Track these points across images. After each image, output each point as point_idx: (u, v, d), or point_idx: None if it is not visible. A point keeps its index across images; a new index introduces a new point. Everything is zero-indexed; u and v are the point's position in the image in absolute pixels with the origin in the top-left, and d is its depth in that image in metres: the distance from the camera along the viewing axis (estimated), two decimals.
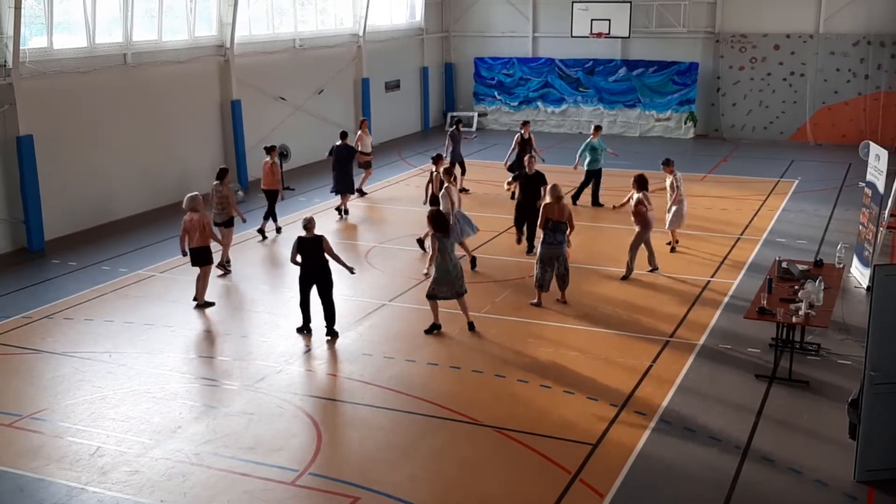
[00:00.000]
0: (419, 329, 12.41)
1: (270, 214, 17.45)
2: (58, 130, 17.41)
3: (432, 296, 12.25)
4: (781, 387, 10.60)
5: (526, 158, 16.86)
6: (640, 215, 14.29)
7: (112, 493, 8.46)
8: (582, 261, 15.44)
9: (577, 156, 19.35)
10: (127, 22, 18.87)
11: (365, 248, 16.72)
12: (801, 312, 10.43)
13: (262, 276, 15.30)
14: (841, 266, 12.77)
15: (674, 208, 15.73)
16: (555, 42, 30.20)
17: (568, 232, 13.26)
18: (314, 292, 12.26)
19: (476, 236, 15.89)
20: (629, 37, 28.45)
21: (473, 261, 15.19)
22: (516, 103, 30.82)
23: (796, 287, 11.32)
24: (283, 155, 17.91)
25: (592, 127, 19.98)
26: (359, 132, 21.10)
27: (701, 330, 12.41)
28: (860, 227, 14.72)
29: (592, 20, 28.26)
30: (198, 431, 9.65)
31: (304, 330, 12.39)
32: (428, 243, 12.46)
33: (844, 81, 27.19)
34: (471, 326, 12.42)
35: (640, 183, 14.41)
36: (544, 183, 15.40)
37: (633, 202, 14.39)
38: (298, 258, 12.12)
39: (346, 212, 19.00)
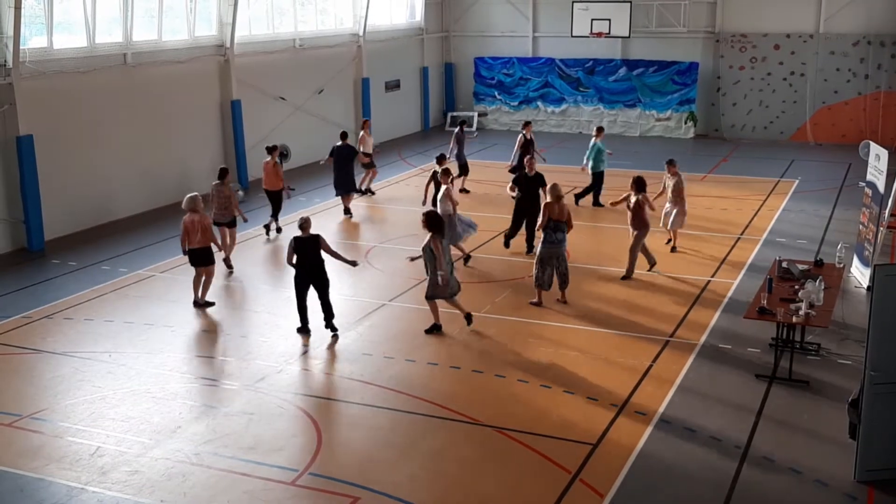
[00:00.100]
0: (419, 329, 12.41)
1: (274, 212, 17.48)
2: (58, 130, 17.41)
3: (432, 296, 12.26)
4: (781, 387, 10.60)
5: (526, 159, 16.84)
6: (640, 218, 14.29)
7: (112, 493, 8.46)
8: (582, 261, 15.44)
9: (587, 159, 19.21)
10: (127, 22, 18.87)
11: (365, 247, 16.72)
12: (801, 312, 10.43)
13: (263, 276, 15.30)
14: (841, 266, 12.77)
15: (676, 208, 15.73)
16: (555, 42, 30.19)
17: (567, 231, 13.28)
18: (311, 292, 12.25)
19: (476, 236, 15.89)
20: (629, 36, 28.44)
21: (467, 258, 15.23)
22: (516, 103, 30.81)
23: (796, 287, 11.32)
24: (284, 155, 17.93)
25: (595, 128, 19.88)
26: (361, 133, 21.04)
27: (701, 330, 12.41)
28: (860, 226, 14.72)
29: (592, 20, 28.25)
30: (198, 431, 9.65)
31: (304, 330, 12.39)
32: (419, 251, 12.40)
33: (844, 81, 27.18)
34: (468, 319, 12.41)
35: (640, 185, 14.41)
36: (544, 184, 15.39)
37: (631, 204, 14.35)
38: (294, 259, 12.12)
39: (349, 212, 19.01)
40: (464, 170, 20.99)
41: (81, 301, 13.84)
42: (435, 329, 12.33)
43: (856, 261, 14.60)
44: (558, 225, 13.14)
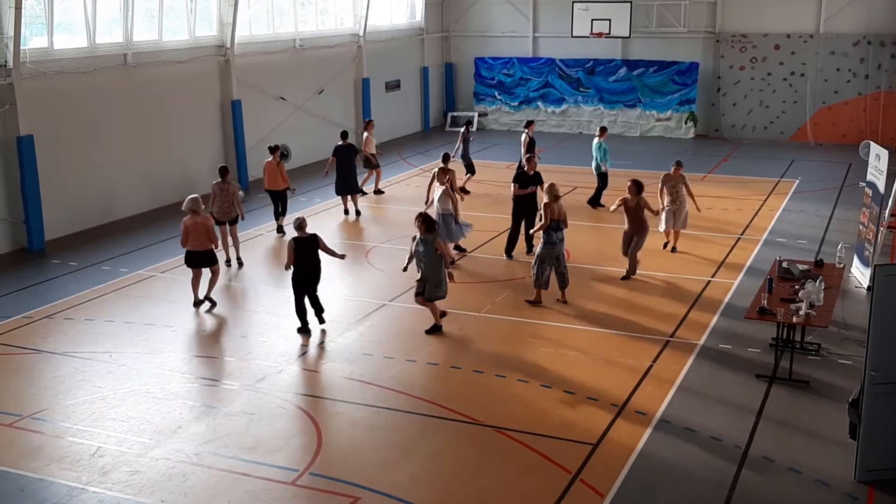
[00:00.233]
0: (419, 329, 12.41)
1: (283, 212, 17.52)
2: (58, 130, 17.42)
3: (433, 298, 12.25)
4: (782, 387, 10.60)
5: (526, 158, 16.83)
6: (641, 221, 14.27)
7: (112, 493, 8.47)
8: (582, 261, 15.44)
9: (602, 161, 19.16)
10: (127, 22, 18.88)
11: (365, 247, 16.72)
12: (801, 312, 10.43)
13: (263, 276, 15.30)
14: (841, 266, 12.77)
15: (680, 209, 15.70)
16: (555, 42, 30.19)
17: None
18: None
19: (476, 236, 15.88)
20: (629, 37, 28.44)
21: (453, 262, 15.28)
22: (516, 103, 30.81)
23: (797, 287, 11.32)
24: (284, 155, 17.94)
25: (599, 128, 19.81)
26: (366, 134, 20.94)
27: (701, 330, 12.41)
28: (860, 226, 14.72)
29: (593, 20, 28.25)
30: (198, 431, 9.66)
31: (304, 330, 12.39)
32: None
33: (845, 81, 27.19)
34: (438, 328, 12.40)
35: (639, 188, 14.42)
36: (541, 183, 15.36)
37: (630, 205, 14.31)
38: (294, 260, 12.13)
39: (358, 212, 19.02)
40: (470, 169, 20.99)
41: (82, 301, 13.85)
42: (436, 329, 12.33)
43: (856, 261, 14.60)
44: (558, 224, 13.15)
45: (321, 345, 12.08)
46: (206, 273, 13.55)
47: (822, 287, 10.94)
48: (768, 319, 10.73)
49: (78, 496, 8.43)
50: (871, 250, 13.86)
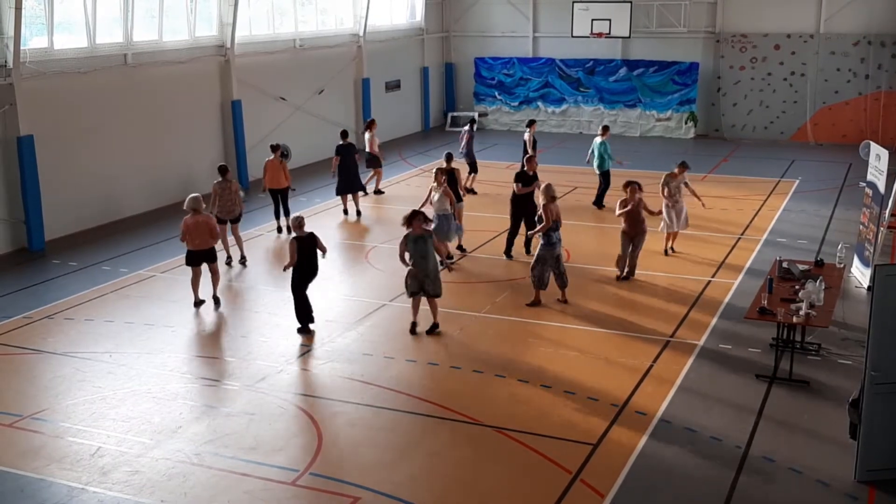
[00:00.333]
0: (420, 329, 12.40)
1: (283, 211, 17.53)
2: (58, 130, 17.42)
3: (437, 293, 12.28)
4: (782, 387, 10.60)
5: (526, 159, 16.82)
6: (640, 221, 14.24)
7: (113, 494, 8.47)
8: (582, 261, 15.45)
9: (607, 158, 19.13)
10: (127, 22, 18.88)
11: (365, 248, 16.72)
12: (801, 312, 10.42)
13: (263, 276, 15.30)
14: (842, 266, 12.76)
15: (681, 210, 15.68)
16: (555, 42, 30.19)
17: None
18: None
19: (476, 236, 15.88)
20: (630, 37, 28.44)
21: (450, 258, 15.28)
22: (517, 103, 30.81)
23: (797, 287, 11.31)
24: (284, 155, 17.96)
25: (601, 127, 19.73)
26: (370, 134, 20.90)
27: (701, 330, 12.41)
28: (861, 226, 14.72)
29: (593, 20, 28.25)
30: (198, 431, 9.66)
31: (305, 330, 12.40)
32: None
33: (845, 81, 27.18)
34: (415, 328, 12.37)
35: (639, 187, 14.42)
36: (538, 183, 15.34)
37: (634, 206, 14.28)
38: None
39: (359, 212, 19.01)
40: (473, 168, 20.97)
41: (82, 301, 13.85)
42: (435, 328, 12.33)
43: (856, 261, 14.60)
44: (556, 225, 13.17)
45: (321, 345, 12.07)
46: (205, 273, 13.56)
47: (823, 287, 10.94)
48: (768, 319, 10.73)
49: (78, 496, 8.43)
50: (872, 250, 13.86)
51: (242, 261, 15.62)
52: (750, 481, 8.60)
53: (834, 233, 17.03)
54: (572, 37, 28.92)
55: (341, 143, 19.02)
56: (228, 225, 15.57)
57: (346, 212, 19.10)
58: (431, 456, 9.17)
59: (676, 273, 14.87)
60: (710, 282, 14.48)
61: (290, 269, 12.31)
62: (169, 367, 11.37)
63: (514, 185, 15.60)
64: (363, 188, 19.52)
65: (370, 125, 21.02)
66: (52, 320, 13.07)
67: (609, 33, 28.27)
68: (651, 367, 11.22)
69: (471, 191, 20.13)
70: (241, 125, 22.04)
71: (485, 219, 17.98)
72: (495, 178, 21.70)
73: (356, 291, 14.25)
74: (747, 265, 15.27)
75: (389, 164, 23.33)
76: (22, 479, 8.73)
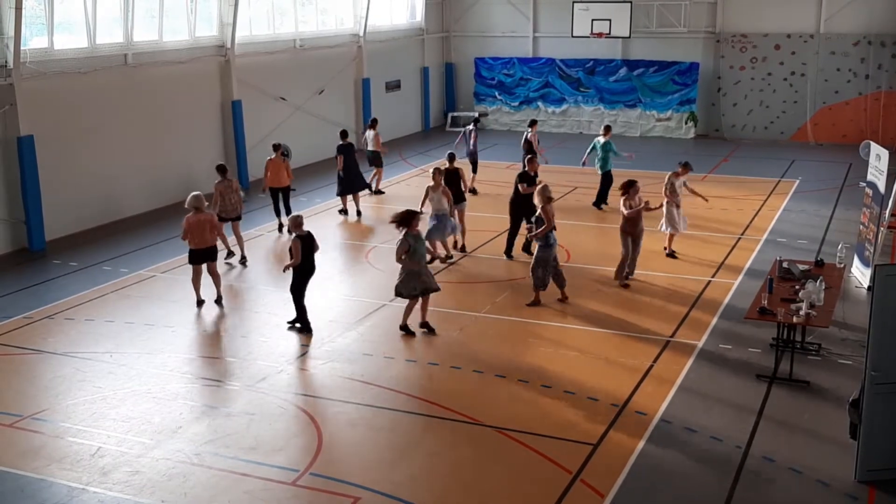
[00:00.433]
0: (419, 329, 12.39)
1: (285, 209, 17.54)
2: (58, 131, 17.42)
3: (435, 288, 12.32)
4: (782, 387, 10.60)
5: (528, 159, 16.79)
6: (640, 220, 14.21)
7: (113, 494, 8.47)
8: (582, 261, 15.45)
9: (615, 153, 19.11)
10: (127, 22, 18.89)
11: (365, 248, 16.72)
12: (801, 312, 10.42)
13: (263, 276, 15.30)
14: (842, 266, 12.76)
15: (680, 210, 15.68)
16: (555, 42, 30.19)
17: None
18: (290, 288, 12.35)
19: (476, 236, 15.87)
20: (630, 37, 28.44)
21: (449, 257, 15.36)
22: (517, 103, 30.81)
23: (797, 287, 11.31)
24: (285, 155, 17.99)
25: (603, 127, 19.70)
26: (374, 133, 20.87)
27: (701, 330, 12.40)
28: (861, 226, 14.72)
29: (593, 20, 28.25)
30: (199, 432, 9.66)
31: (305, 330, 12.40)
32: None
33: (845, 81, 27.18)
34: (407, 329, 12.36)
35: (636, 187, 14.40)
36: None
37: (639, 205, 14.26)
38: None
39: (359, 212, 19.01)
40: (475, 168, 20.97)
41: (82, 301, 13.85)
42: (429, 326, 12.35)
43: (856, 261, 14.60)
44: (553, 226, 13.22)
45: (321, 345, 12.07)
46: (206, 274, 13.56)
47: (823, 287, 10.94)
48: (769, 319, 10.73)
49: (78, 496, 8.43)
50: (872, 250, 13.86)
51: (243, 261, 15.65)
52: (750, 481, 8.59)
53: (834, 233, 17.03)
54: (572, 37, 28.93)
55: (341, 142, 19.02)
56: (230, 224, 15.60)
57: (345, 212, 19.09)
58: (431, 456, 9.17)
59: (676, 273, 14.87)
60: (710, 282, 14.48)
61: (290, 269, 12.30)
62: (169, 368, 11.38)
63: (520, 185, 15.58)
64: (367, 185, 19.51)
65: (374, 123, 21.06)
66: (52, 320, 13.07)
67: (609, 33, 28.27)
68: (651, 367, 11.21)
69: (472, 191, 20.11)
70: (242, 125, 22.05)
71: (485, 219, 17.98)
72: (495, 178, 21.71)
73: (356, 291, 14.25)
74: (747, 265, 15.27)
75: (389, 165, 23.34)
76: (22, 479, 8.73)
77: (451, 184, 15.76)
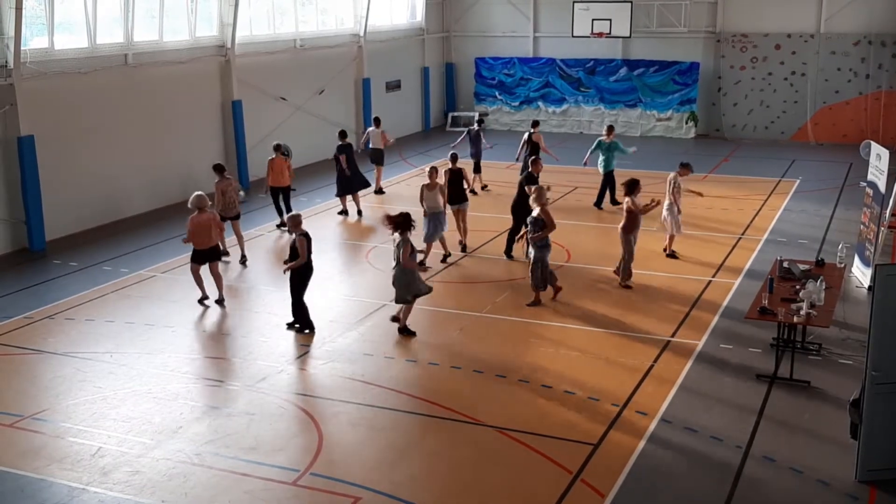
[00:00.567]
0: (420, 329, 12.40)
1: (286, 208, 17.54)
2: (59, 131, 17.43)
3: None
4: (782, 387, 10.60)
5: (532, 161, 16.74)
6: (638, 219, 14.21)
7: (113, 494, 8.47)
8: (582, 261, 15.45)
9: (622, 151, 19.05)
10: (128, 22, 18.89)
11: (365, 248, 16.72)
12: (802, 312, 10.42)
13: (263, 276, 15.30)
14: (842, 266, 12.76)
15: (677, 211, 15.66)
16: (556, 42, 30.20)
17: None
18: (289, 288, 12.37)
19: (476, 236, 15.88)
20: (630, 36, 28.44)
21: (423, 262, 15.25)
22: (517, 103, 30.81)
23: (797, 287, 11.31)
24: (285, 154, 18.01)
25: (606, 127, 19.66)
26: (381, 131, 20.89)
27: (702, 330, 12.40)
28: (861, 226, 14.72)
29: (593, 20, 28.26)
30: (199, 432, 9.66)
31: (308, 329, 12.40)
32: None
33: (845, 81, 27.18)
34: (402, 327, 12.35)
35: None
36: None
37: (639, 207, 14.24)
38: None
39: (360, 212, 19.00)
40: (476, 168, 20.96)
41: (83, 301, 13.86)
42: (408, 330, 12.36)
43: (857, 261, 14.60)
44: None
45: (322, 345, 12.07)
46: (207, 274, 13.56)
47: (823, 287, 10.93)
48: (769, 319, 10.72)
49: (78, 496, 8.43)
50: (872, 250, 13.86)
51: (243, 261, 15.65)
52: (750, 481, 8.59)
53: (834, 233, 17.03)
54: (573, 37, 28.93)
55: (341, 143, 19.02)
56: (229, 223, 15.61)
57: (345, 212, 19.09)
58: (431, 456, 9.17)
59: (677, 273, 14.87)
60: (710, 282, 14.47)
61: (289, 270, 12.28)
62: (169, 368, 11.38)
63: (526, 187, 15.55)
64: (367, 183, 19.50)
65: (377, 122, 21.10)
66: (52, 320, 13.07)
67: (609, 33, 28.27)
68: (651, 367, 11.21)
69: (474, 191, 20.10)
70: (242, 125, 22.05)
71: (485, 219, 17.98)
72: (495, 178, 21.71)
73: (356, 291, 14.25)
74: (748, 265, 15.27)
75: (390, 165, 23.32)
76: (22, 479, 8.73)
77: (454, 184, 15.75)
